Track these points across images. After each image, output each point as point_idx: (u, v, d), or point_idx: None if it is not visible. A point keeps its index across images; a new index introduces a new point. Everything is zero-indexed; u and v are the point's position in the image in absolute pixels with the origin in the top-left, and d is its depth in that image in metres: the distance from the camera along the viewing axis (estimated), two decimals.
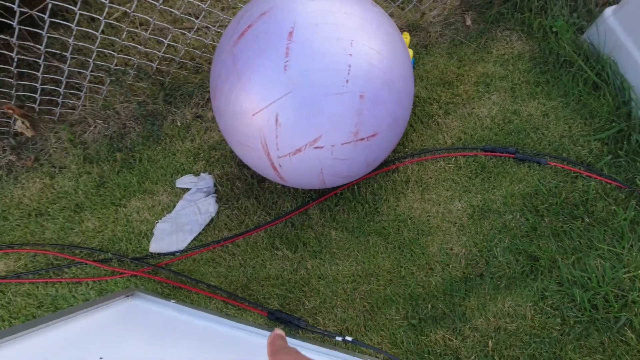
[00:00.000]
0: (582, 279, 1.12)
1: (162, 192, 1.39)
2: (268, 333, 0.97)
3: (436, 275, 1.17)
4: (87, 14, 1.30)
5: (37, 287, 1.25)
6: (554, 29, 1.47)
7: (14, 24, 1.10)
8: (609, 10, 1.36)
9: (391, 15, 1.61)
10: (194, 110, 1.51)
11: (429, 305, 1.13)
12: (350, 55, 0.88)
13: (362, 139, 0.96)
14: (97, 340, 0.92)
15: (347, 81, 0.88)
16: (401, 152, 1.37)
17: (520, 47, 1.51)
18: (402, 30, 1.58)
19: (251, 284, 1.22)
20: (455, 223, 1.24)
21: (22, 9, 1.07)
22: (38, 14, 1.14)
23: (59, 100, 1.41)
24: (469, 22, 1.58)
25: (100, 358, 0.83)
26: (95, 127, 1.49)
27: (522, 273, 1.15)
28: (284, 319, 1.13)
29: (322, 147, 0.94)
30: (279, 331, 0.38)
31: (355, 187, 1.32)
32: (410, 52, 1.46)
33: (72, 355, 0.85)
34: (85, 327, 0.97)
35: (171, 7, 1.57)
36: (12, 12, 1.11)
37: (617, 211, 1.18)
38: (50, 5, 1.10)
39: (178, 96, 1.51)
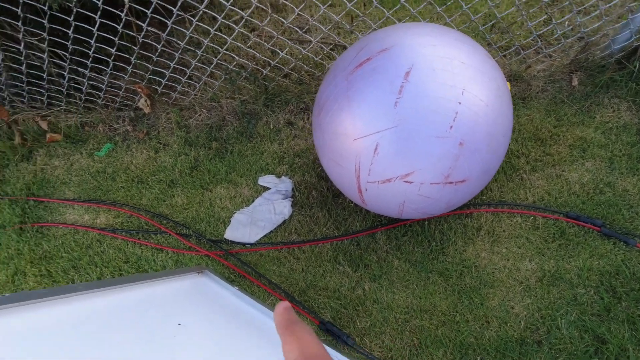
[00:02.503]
0: None
1: (245, 185, 1.52)
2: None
3: (491, 330, 1.16)
4: (225, 21, 1.47)
5: (127, 245, 1.42)
6: None
7: (148, 12, 1.27)
8: None
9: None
10: (287, 116, 1.63)
11: (478, 358, 1.12)
12: (460, 103, 0.92)
13: (451, 183, 0.99)
14: (174, 307, 1.04)
15: (451, 127, 0.92)
16: (478, 199, 1.37)
17: (628, 118, 1.45)
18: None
19: (309, 291, 1.28)
20: (522, 282, 1.21)
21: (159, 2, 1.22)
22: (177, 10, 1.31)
23: (178, 87, 1.59)
24: (575, 83, 1.54)
25: (179, 324, 0.94)
26: (199, 115, 1.66)
27: (585, 352, 1.10)
28: (334, 332, 1.19)
29: (411, 182, 0.99)
30: (286, 303, 0.31)
31: (426, 222, 1.34)
32: None
33: (153, 315, 0.96)
34: (163, 293, 1.09)
35: (290, 23, 1.71)
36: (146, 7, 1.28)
37: None
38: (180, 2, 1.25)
39: (276, 101, 1.63)
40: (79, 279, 1.36)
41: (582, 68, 1.55)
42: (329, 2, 1.25)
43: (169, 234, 1.42)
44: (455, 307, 1.20)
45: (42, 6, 1.09)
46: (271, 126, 1.63)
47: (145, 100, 1.60)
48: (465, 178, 1.00)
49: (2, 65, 1.40)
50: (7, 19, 1.20)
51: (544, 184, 1.37)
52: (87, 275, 1.37)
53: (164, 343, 0.88)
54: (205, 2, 1.18)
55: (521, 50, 1.56)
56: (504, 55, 1.61)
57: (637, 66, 1.47)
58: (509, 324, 1.16)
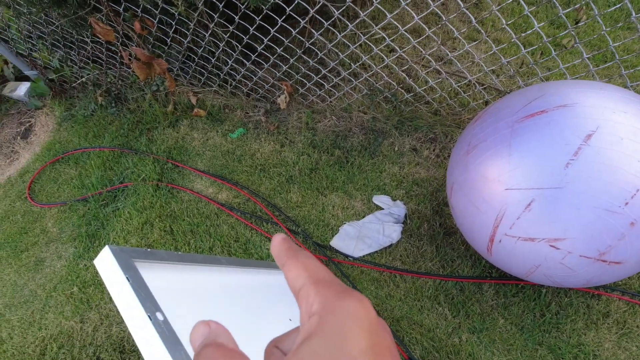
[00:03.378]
0: None
1: (359, 199, 1.54)
2: None
3: None
4: (391, 43, 1.52)
5: (240, 225, 1.53)
6: None
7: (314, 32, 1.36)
8: None
9: None
10: (414, 143, 1.63)
11: None
12: None
13: (604, 261, 0.91)
14: (286, 301, 1.09)
15: (626, 203, 0.84)
16: (611, 282, 1.23)
17: None
18: None
19: (402, 322, 1.26)
20: None
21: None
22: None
23: (319, 92, 1.68)
24: None
25: (290, 319, 0.98)
26: (329, 121, 1.73)
27: None
28: None
29: (558, 249, 0.92)
30: (282, 234, 0.27)
31: (543, 289, 1.24)
32: None
33: (268, 304, 1.02)
34: (279, 285, 1.15)
35: (455, 57, 1.71)
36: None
37: None
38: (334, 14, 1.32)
39: (407, 125, 1.64)
40: (194, 244, 1.50)
41: None
42: (504, 44, 1.22)
43: (279, 226, 1.49)
44: None
45: (241, 4, 1.23)
46: (396, 148, 1.64)
47: (285, 97, 1.71)
48: (622, 260, 0.91)
49: (185, 45, 1.60)
50: (208, 10, 1.38)
51: None
52: (201, 242, 1.50)
53: (273, 333, 0.92)
54: (379, 25, 1.23)
55: None
56: None
57: None
58: None
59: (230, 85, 1.83)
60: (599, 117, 0.89)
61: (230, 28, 1.36)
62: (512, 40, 1.15)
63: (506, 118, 1.02)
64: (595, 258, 0.91)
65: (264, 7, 1.21)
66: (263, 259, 1.44)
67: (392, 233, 1.43)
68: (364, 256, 1.41)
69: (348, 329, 0.21)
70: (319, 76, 1.59)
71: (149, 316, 0.52)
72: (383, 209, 1.49)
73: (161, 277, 0.66)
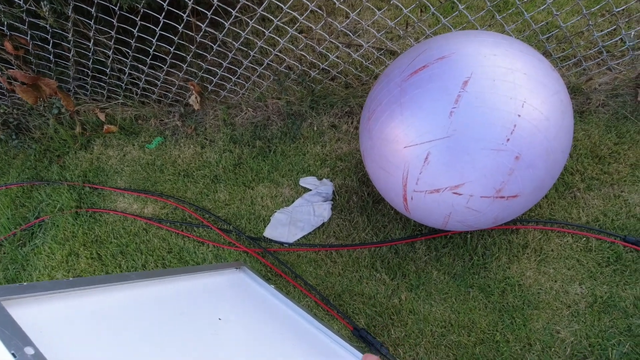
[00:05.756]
0: None
1: (286, 185, 1.53)
2: (350, 347, 1.02)
3: (533, 354, 1.11)
4: (279, 23, 1.48)
5: (171, 235, 1.48)
6: None
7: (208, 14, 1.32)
8: None
9: None
10: (332, 119, 1.64)
11: None
12: (519, 115, 0.89)
13: (502, 197, 0.96)
14: (214, 302, 1.07)
15: (507, 140, 0.89)
16: (526, 215, 1.31)
17: None
18: None
19: (344, 295, 1.28)
20: (570, 307, 1.15)
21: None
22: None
23: (228, 86, 1.64)
24: None
25: (219, 319, 0.96)
26: (245, 113, 1.70)
27: None
28: (367, 339, 1.18)
29: (460, 194, 0.96)
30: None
31: (469, 235, 1.30)
32: None
33: (193, 309, 0.99)
34: (204, 287, 1.13)
35: (343, 27, 1.72)
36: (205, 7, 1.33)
37: None
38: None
39: (322, 104, 1.64)
40: (125, 265, 1.43)
41: None
42: (385, 7, 1.24)
43: (211, 228, 1.46)
44: (496, 326, 1.16)
45: (113, 6, 1.15)
46: (315, 128, 1.64)
47: (196, 97, 1.65)
48: (517, 193, 0.96)
49: (72, 60, 1.49)
50: (81, 18, 1.28)
51: (599, 204, 1.29)
52: (133, 261, 1.44)
53: (204, 335, 0.90)
54: (263, 5, 1.20)
55: (583, 62, 1.48)
56: (563, 67, 1.54)
57: None
58: (553, 349, 1.11)
59: (137, 94, 1.74)
60: (473, 63, 0.93)
61: (112, 33, 1.29)
62: (392, 2, 1.17)
63: (395, 78, 1.04)
64: (493, 196, 0.96)
65: (138, 6, 1.14)
66: (199, 264, 1.41)
67: (323, 212, 1.43)
68: (299, 240, 1.41)
69: None
70: (222, 70, 1.55)
71: (12, 354, 0.49)
72: (311, 190, 1.50)
73: (42, 309, 0.62)
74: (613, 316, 1.12)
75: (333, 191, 1.48)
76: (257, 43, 1.42)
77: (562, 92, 0.98)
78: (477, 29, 1.52)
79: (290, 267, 1.35)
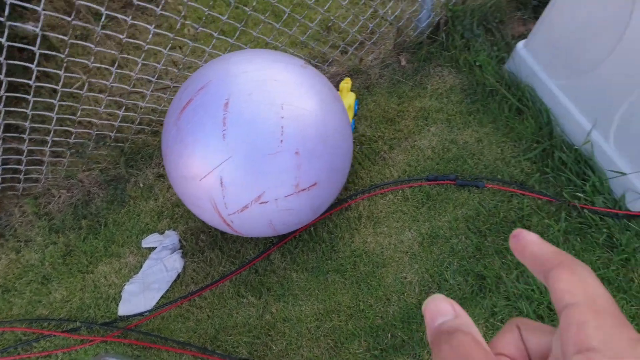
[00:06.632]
0: (526, 291, 1.21)
1: (129, 254, 1.44)
2: None
3: (393, 305, 1.24)
4: (48, 85, 1.36)
5: None
6: (478, 63, 1.63)
7: None
8: (520, 44, 1.53)
9: (334, 62, 1.75)
10: (156, 170, 1.59)
11: (389, 335, 1.20)
12: (282, 117, 0.98)
13: (304, 189, 1.05)
14: None
15: (281, 141, 0.98)
16: (352, 190, 1.46)
17: (452, 81, 1.66)
18: (344, 75, 1.71)
19: (220, 335, 1.26)
20: (407, 252, 1.32)
21: None
22: None
23: (21, 176, 1.46)
24: (403, 63, 1.73)
25: None
26: (59, 197, 1.54)
27: (472, 293, 1.23)
28: None
29: (267, 202, 1.02)
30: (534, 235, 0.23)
31: (312, 228, 1.40)
32: (353, 95, 1.59)
33: None
34: None
35: (130, 71, 1.66)
36: None
37: (551, 224, 1.29)
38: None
39: (139, 159, 1.58)
40: None
41: (405, 49, 1.74)
42: (154, 52, 1.24)
43: (54, 335, 1.28)
44: (358, 297, 1.27)
45: None
46: (141, 185, 1.57)
47: None
48: (315, 181, 1.06)
49: None
50: None
51: (403, 158, 1.51)
52: None
53: None
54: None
55: (348, 48, 1.71)
56: (345, 52, 1.74)
57: (444, 37, 1.70)
58: (406, 294, 1.25)
59: None
60: (229, 85, 1.00)
61: None
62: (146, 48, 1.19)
63: (171, 118, 1.06)
64: (296, 192, 1.05)
65: None
66: None
67: (174, 263, 1.38)
68: (158, 302, 1.34)
69: None
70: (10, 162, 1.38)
71: None
72: (156, 247, 1.43)
73: None
74: (439, 245, 1.32)
75: (179, 239, 1.44)
76: (26, 125, 1.29)
77: (319, 84, 1.11)
78: (265, 41, 1.63)
79: (157, 333, 1.27)
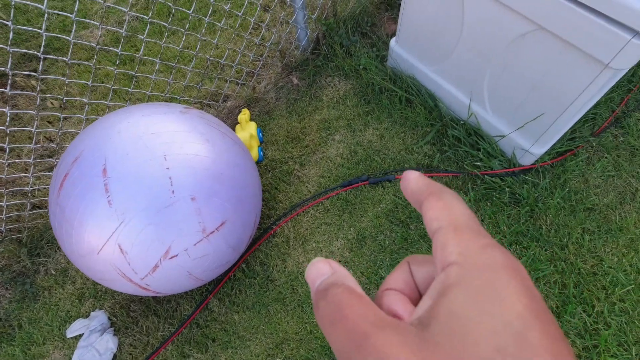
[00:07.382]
0: None
1: (53, 350, 1.31)
2: None
3: None
4: None
5: None
6: (362, 66, 1.72)
7: None
8: (392, 41, 1.64)
9: (228, 96, 1.75)
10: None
11: None
12: (168, 168, 0.96)
13: (212, 232, 1.03)
14: None
15: (172, 192, 0.95)
16: (274, 216, 1.46)
17: (344, 88, 1.74)
18: (242, 107, 1.72)
19: None
20: (340, 262, 1.34)
21: None
22: None
23: None
24: (296, 81, 1.78)
25: None
26: None
27: None
28: None
29: (176, 255, 0.99)
30: (417, 172, 0.24)
31: (244, 264, 1.37)
32: (254, 124, 1.60)
33: None
34: None
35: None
36: None
37: (461, 195, 1.38)
38: None
39: (44, 245, 1.46)
40: None
41: (294, 68, 1.80)
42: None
43: None
44: (302, 320, 1.25)
45: None
46: (53, 272, 1.44)
47: None
48: (222, 221, 1.05)
49: None
50: None
51: (315, 172, 1.54)
52: None
53: None
54: None
55: (237, 81, 1.73)
56: (237, 84, 1.76)
57: (326, 49, 1.78)
58: None
59: None
60: (103, 149, 0.96)
61: None
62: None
63: (52, 198, 1.00)
64: (205, 237, 1.02)
65: None
66: None
67: (107, 344, 1.28)
68: None
69: (499, 286, 0.17)
70: None
71: None
72: (83, 333, 1.32)
73: None
74: (367, 245, 1.35)
75: (107, 317, 1.34)
76: None
77: (201, 125, 1.10)
78: (156, 94, 1.60)
79: None
